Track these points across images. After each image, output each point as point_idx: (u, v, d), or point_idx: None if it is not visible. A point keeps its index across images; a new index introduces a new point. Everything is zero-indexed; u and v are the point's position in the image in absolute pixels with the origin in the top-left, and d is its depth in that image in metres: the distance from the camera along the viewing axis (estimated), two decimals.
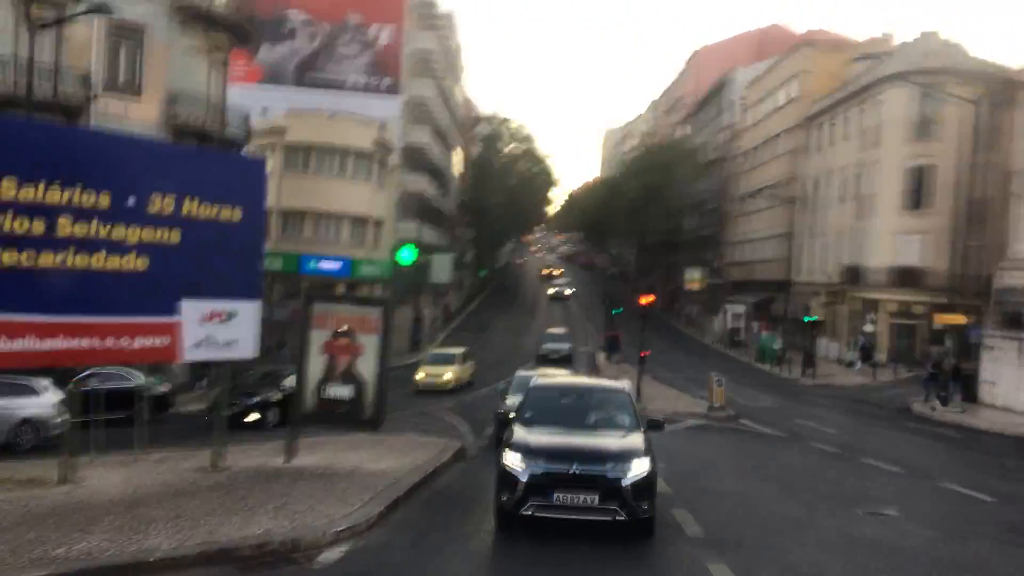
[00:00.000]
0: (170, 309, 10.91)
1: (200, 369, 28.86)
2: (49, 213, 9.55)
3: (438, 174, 65.61)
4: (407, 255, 47.76)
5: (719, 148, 72.81)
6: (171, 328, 10.98)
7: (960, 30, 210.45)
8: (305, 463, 12.61)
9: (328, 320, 12.94)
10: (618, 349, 40.65)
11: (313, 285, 37.39)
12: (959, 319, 34.78)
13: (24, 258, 9.41)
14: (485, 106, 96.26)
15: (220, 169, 12.38)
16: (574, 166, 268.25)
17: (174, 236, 10.72)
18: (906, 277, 39.62)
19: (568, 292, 76.03)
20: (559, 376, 16.48)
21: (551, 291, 76.67)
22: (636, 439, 9.30)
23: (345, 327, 12.88)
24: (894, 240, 40.40)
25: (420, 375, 30.99)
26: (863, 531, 10.07)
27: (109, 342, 10.31)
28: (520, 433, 9.29)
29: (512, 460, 8.72)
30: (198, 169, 11.77)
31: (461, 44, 78.15)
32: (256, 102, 43.02)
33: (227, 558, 7.71)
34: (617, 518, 8.47)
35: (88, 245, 9.91)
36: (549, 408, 10.06)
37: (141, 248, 10.39)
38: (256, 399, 21.82)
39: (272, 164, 39.48)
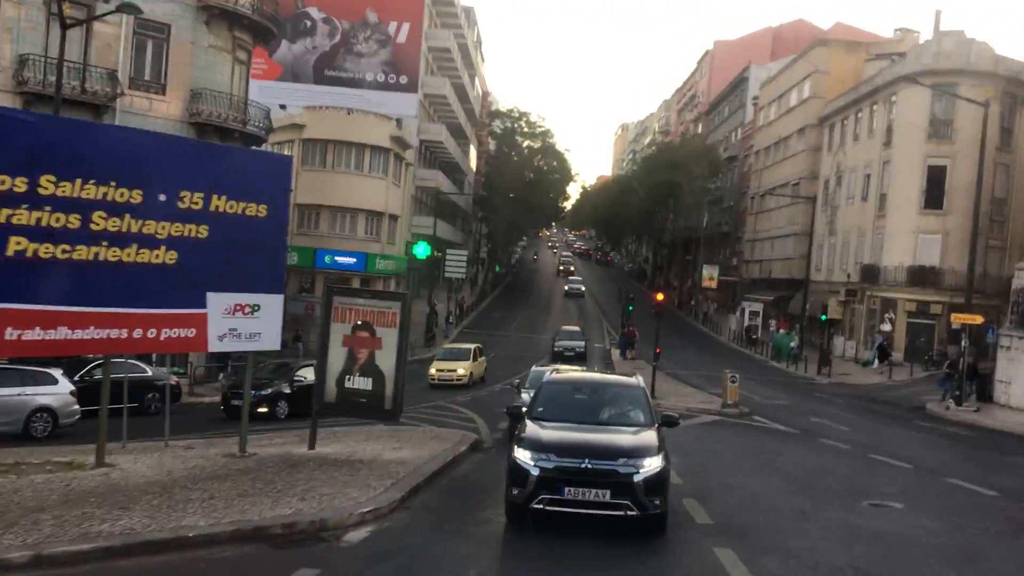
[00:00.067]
0: (197, 301, 11.33)
1: (220, 361, 29.46)
2: (84, 209, 9.95)
3: (454, 170, 66.07)
4: (422, 250, 48.25)
5: (734, 146, 72.73)
6: (198, 320, 11.41)
7: (995, 25, 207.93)
8: (327, 451, 13.03)
9: (348, 314, 13.16)
10: (632, 345, 40.93)
11: (328, 279, 37.89)
12: (975, 319, 34.72)
13: (60, 252, 9.84)
14: (503, 100, 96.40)
15: (247, 167, 12.78)
16: (589, 161, 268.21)
17: (202, 231, 11.14)
18: (923, 276, 39.63)
19: (582, 289, 76.16)
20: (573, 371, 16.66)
21: (567, 288, 76.85)
22: (649, 435, 9.23)
23: (361, 321, 13.12)
24: (911, 239, 40.40)
25: (433, 370, 31.43)
26: (866, 522, 10.35)
27: (139, 333, 10.75)
28: (532, 428, 9.25)
29: (523, 455, 8.70)
30: (226, 166, 12.15)
31: (480, 39, 78.47)
32: (275, 98, 43.64)
33: (260, 536, 8.16)
34: (628, 513, 8.44)
35: (121, 239, 10.32)
36: (562, 403, 9.98)
37: (171, 242, 10.82)
38: (266, 391, 22.26)
39: None
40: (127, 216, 10.37)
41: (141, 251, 10.57)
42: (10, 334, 9.50)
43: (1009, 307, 33.99)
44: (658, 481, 8.60)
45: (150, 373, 22.30)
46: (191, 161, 11.63)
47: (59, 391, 18.23)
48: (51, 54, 23.76)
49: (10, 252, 9.39)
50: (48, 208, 9.67)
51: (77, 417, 18.46)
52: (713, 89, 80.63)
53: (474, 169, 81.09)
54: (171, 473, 10.87)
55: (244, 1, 29.37)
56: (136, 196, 10.41)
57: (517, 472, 8.68)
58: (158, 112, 27.45)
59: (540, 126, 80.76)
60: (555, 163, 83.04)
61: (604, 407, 10.05)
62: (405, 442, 14.54)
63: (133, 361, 22.23)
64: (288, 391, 22.69)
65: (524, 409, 10.33)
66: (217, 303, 11.51)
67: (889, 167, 42.39)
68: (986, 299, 36.15)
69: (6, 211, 9.33)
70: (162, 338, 11.07)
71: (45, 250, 9.72)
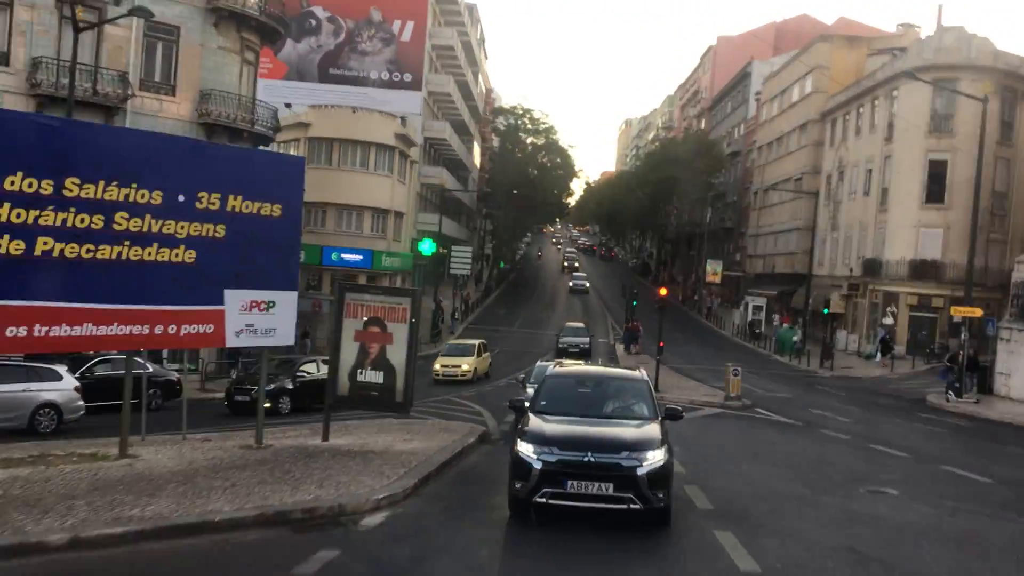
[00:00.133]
0: (215, 298, 11.73)
1: (230, 358, 29.93)
2: (107, 210, 10.34)
3: (458, 167, 66.40)
4: (427, 247, 48.66)
5: (737, 141, 72.95)
6: (216, 316, 11.80)
7: (996, 20, 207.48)
8: (340, 443, 13.45)
9: (360, 310, 13.49)
10: (636, 340, 41.30)
11: (335, 276, 38.29)
12: (975, 312, 35.04)
13: (84, 251, 10.24)
14: (506, 97, 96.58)
15: (262, 168, 13.23)
16: (592, 157, 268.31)
17: (219, 231, 11.53)
18: (925, 270, 39.95)
19: (587, 285, 76.42)
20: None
21: (571, 284, 77.16)
22: (653, 428, 9.22)
23: (372, 316, 13.48)
24: (913, 233, 40.70)
25: (438, 366, 31.81)
26: (862, 507, 10.75)
27: (159, 329, 11.14)
28: (535, 422, 9.25)
29: (526, 448, 8.69)
30: (241, 168, 12.53)
31: (483, 36, 78.74)
32: (280, 97, 44.02)
33: (282, 520, 8.60)
34: (632, 507, 8.45)
35: (142, 239, 10.71)
36: (565, 397, 9.97)
37: (189, 242, 11.20)
38: (269, 387, 22.54)
39: None
40: (148, 216, 10.74)
41: (161, 250, 10.95)
42: (39, 331, 9.90)
43: (1009, 300, 34.33)
44: (662, 474, 8.61)
45: (151, 369, 22.70)
46: (208, 163, 11.99)
47: (63, 387, 18.32)
48: (64, 57, 24.22)
49: (38, 252, 9.78)
50: (73, 209, 10.05)
51: (82, 413, 18.63)
52: (716, 85, 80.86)
53: (478, 166, 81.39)
54: (192, 463, 11.31)
55: (251, 2, 29.77)
56: (156, 197, 10.79)
57: (520, 465, 8.66)
58: (168, 113, 27.89)
59: (543, 122, 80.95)
60: (559, 159, 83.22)
61: (607, 400, 10.05)
62: (415, 434, 14.93)
63: (135, 358, 22.61)
64: (291, 386, 22.99)
65: (527, 403, 10.27)
66: (234, 300, 11.90)
67: (890, 162, 42.68)
68: (987, 292, 36.44)
69: (33, 212, 9.72)
70: (182, 334, 11.47)
71: (71, 250, 10.10)
